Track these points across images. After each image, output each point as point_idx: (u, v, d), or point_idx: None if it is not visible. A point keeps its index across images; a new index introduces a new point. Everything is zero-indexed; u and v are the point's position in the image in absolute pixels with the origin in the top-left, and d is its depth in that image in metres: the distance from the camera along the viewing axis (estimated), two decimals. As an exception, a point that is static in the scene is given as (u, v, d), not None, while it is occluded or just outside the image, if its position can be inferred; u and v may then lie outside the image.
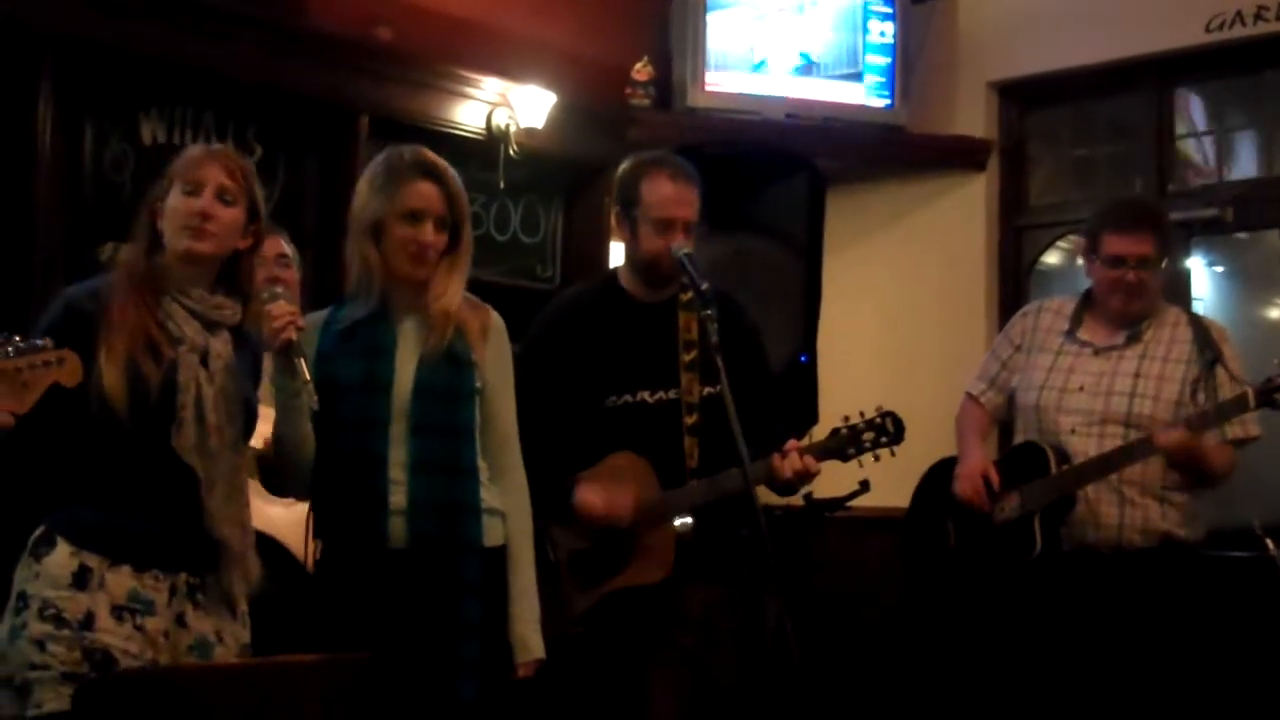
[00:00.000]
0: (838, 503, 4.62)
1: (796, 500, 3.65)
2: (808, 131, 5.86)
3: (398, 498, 2.89)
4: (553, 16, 5.69)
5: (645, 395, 3.53)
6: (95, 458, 2.62)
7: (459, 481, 2.94)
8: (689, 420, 3.51)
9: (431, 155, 3.04)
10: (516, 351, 3.67)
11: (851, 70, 5.93)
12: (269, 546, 3.22)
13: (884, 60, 5.94)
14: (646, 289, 3.61)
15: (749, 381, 3.47)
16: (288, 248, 3.59)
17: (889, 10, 5.95)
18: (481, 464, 3.00)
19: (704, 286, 3.31)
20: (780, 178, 5.59)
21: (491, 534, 2.97)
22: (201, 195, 2.71)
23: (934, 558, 4.03)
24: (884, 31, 5.95)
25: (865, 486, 3.54)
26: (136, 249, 2.75)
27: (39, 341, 2.40)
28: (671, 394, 3.52)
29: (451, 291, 2.99)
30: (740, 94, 5.84)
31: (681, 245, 3.45)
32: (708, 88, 5.80)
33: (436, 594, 2.86)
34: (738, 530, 3.47)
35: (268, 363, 2.93)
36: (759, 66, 5.88)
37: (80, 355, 2.47)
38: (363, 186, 3.03)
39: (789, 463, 3.38)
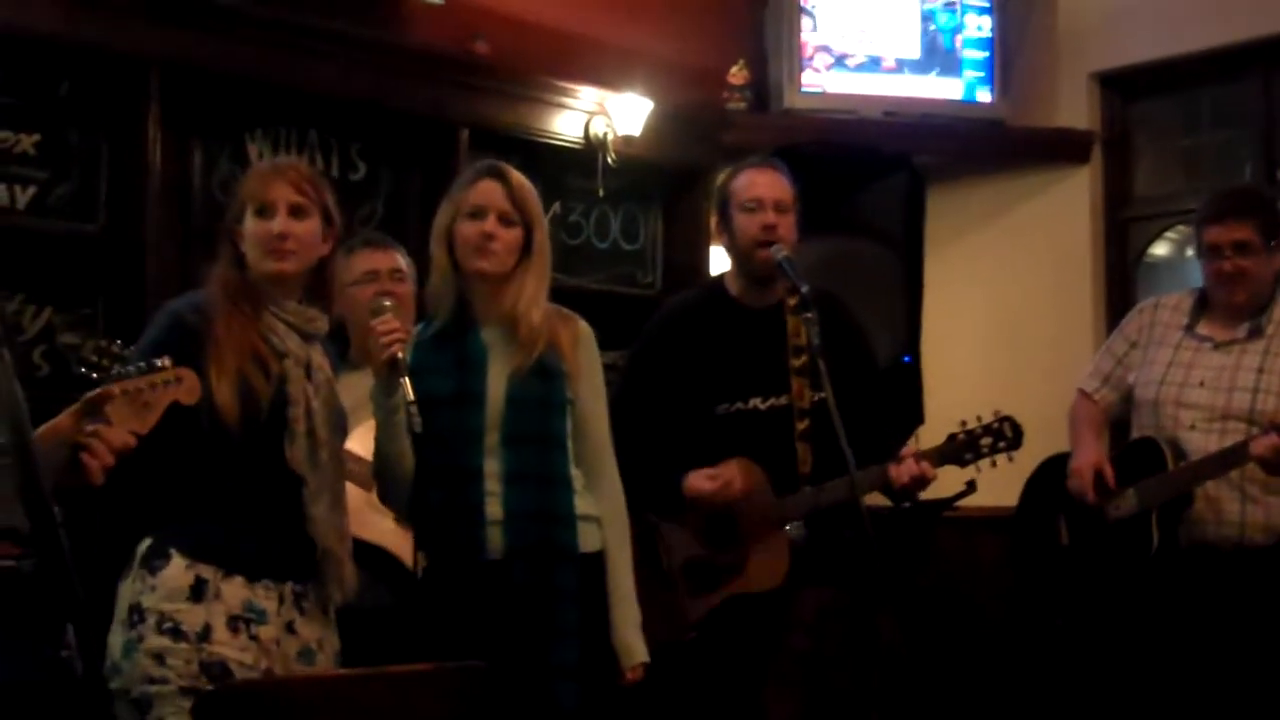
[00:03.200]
0: (944, 504, 4.58)
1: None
2: (906, 129, 5.81)
3: (494, 509, 2.92)
4: (647, 24, 5.71)
5: (756, 402, 3.53)
6: (205, 471, 2.66)
7: (553, 491, 2.96)
8: (800, 426, 3.50)
9: (500, 163, 3.10)
10: (627, 357, 3.72)
11: (949, 65, 5.88)
12: (382, 559, 3.26)
13: (982, 54, 5.89)
14: (753, 293, 3.61)
15: (857, 384, 3.46)
16: (403, 261, 3.60)
17: (986, 4, 5.90)
18: (576, 472, 3.02)
19: (804, 289, 3.32)
20: (879, 177, 5.57)
21: (587, 541, 2.99)
22: (275, 216, 2.75)
23: (1045, 555, 3.98)
24: (981, 25, 5.89)
25: (971, 487, 3.50)
26: (226, 267, 2.79)
27: (158, 362, 2.45)
28: (782, 400, 3.52)
29: (531, 296, 3.00)
30: (837, 93, 5.81)
31: (781, 247, 3.47)
32: (804, 88, 5.78)
33: (534, 602, 2.89)
34: (842, 533, 3.46)
35: (359, 379, 2.97)
36: (855, 65, 5.85)
37: (189, 368, 2.51)
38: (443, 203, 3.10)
39: (905, 468, 3.36)
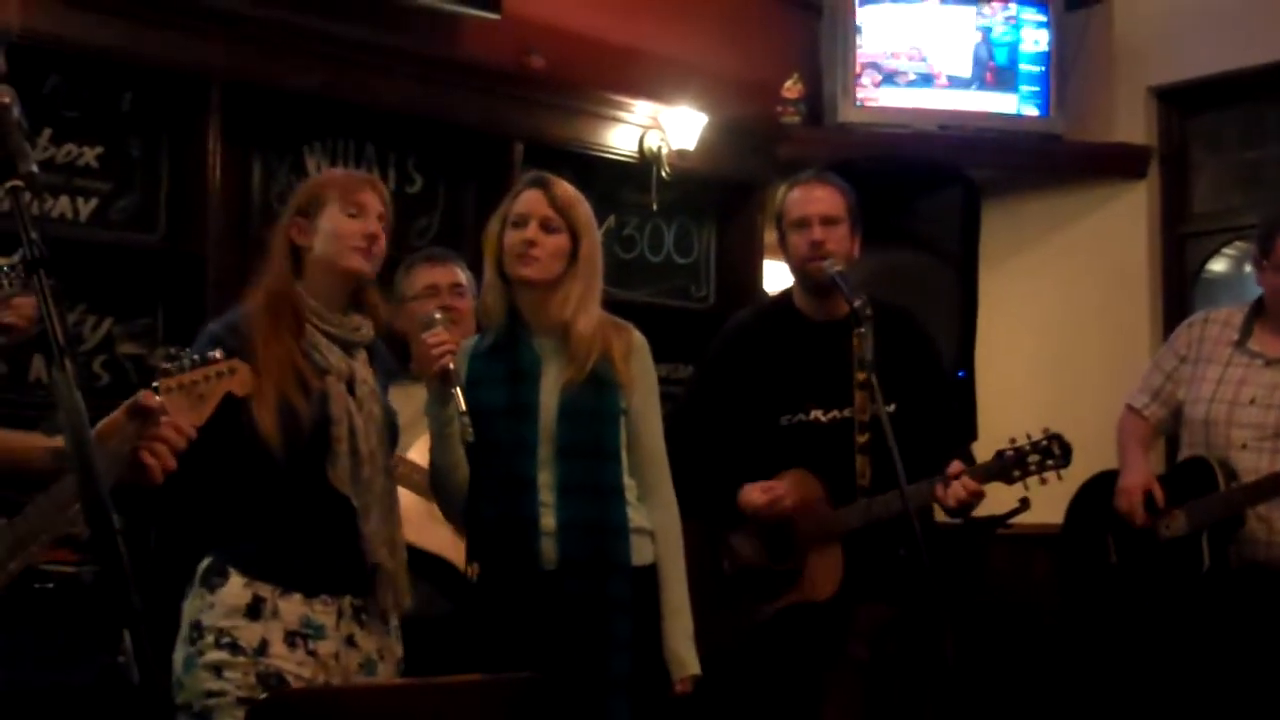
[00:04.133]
0: (997, 521, 4.56)
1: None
2: (961, 143, 5.80)
3: (547, 520, 2.93)
4: (702, 38, 5.73)
5: (818, 414, 3.54)
6: (254, 490, 2.69)
7: (606, 502, 2.97)
8: (861, 439, 3.50)
9: (546, 174, 3.12)
10: (693, 371, 3.74)
11: (1005, 80, 5.86)
12: (442, 569, 3.28)
13: (1038, 69, 5.86)
14: (817, 306, 3.62)
15: (924, 397, 3.48)
16: (463, 276, 3.63)
17: (1043, 18, 5.87)
18: (629, 483, 3.03)
19: (856, 303, 3.32)
20: (933, 191, 5.54)
21: (640, 553, 3.00)
22: (367, 219, 2.79)
23: (1093, 574, 3.95)
24: (1038, 40, 5.86)
25: (1025, 504, 3.47)
26: (278, 273, 2.81)
27: (211, 353, 2.47)
28: (845, 413, 3.52)
29: (577, 303, 3.00)
30: (891, 107, 5.80)
31: (834, 261, 3.48)
32: (858, 102, 5.78)
33: (587, 613, 2.90)
34: (897, 549, 3.45)
35: (421, 391, 3.00)
36: (910, 80, 5.84)
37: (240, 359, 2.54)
38: None
39: (952, 492, 3.35)
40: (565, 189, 3.06)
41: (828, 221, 3.55)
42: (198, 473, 2.49)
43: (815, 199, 3.59)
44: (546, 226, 3.00)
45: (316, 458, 2.70)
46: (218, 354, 2.46)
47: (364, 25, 4.69)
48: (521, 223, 3.01)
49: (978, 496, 3.38)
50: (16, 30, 3.86)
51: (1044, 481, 3.40)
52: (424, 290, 3.55)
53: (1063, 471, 3.42)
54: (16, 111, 1.91)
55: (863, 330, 3.29)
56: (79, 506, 2.07)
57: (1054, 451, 3.40)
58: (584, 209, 3.07)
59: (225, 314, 2.86)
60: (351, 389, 2.78)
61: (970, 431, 5.21)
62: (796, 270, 3.63)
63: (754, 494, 3.49)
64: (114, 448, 2.25)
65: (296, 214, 2.82)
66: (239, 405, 2.59)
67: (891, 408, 3.25)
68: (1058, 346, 5.96)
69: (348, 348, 2.82)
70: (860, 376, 3.48)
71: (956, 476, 3.36)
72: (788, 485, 3.48)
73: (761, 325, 3.71)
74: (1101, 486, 3.93)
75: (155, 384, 2.37)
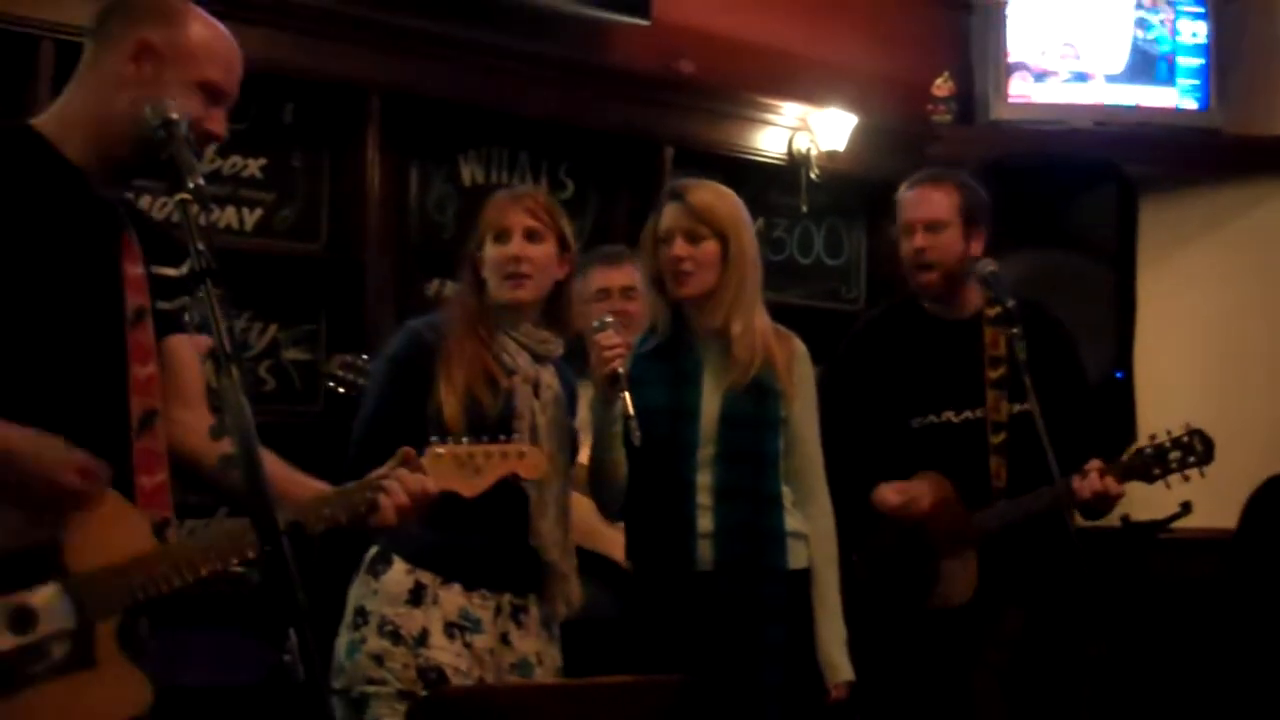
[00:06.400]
0: (1158, 525, 4.47)
1: (1113, 521, 3.55)
2: (1118, 139, 5.68)
3: (705, 522, 2.95)
4: (851, 38, 5.70)
5: (950, 415, 3.50)
6: None
7: (764, 507, 2.99)
8: (995, 439, 3.45)
9: (684, 181, 3.14)
10: (821, 373, 3.70)
11: (1163, 73, 5.74)
12: (610, 570, 3.31)
13: (1197, 61, 5.73)
14: (944, 306, 3.58)
15: (1065, 397, 3.40)
16: (638, 277, 3.57)
17: (1200, 10, 5.73)
18: (785, 489, 3.04)
19: (1010, 304, 3.28)
20: (1089, 187, 5.45)
21: (795, 558, 3.01)
22: (511, 240, 2.83)
23: (1273, 580, 3.84)
24: (1196, 32, 5.73)
25: (1187, 508, 3.38)
26: (466, 292, 2.90)
27: (505, 437, 2.48)
28: (977, 413, 3.48)
29: (732, 306, 3.01)
30: (1045, 103, 5.71)
31: (988, 262, 3.44)
32: (1011, 99, 5.70)
33: (742, 618, 2.92)
34: (1048, 552, 3.39)
35: (586, 389, 3.03)
36: (1063, 75, 5.74)
37: (420, 381, 2.66)
38: None
39: (1088, 484, 3.28)
40: (701, 195, 3.06)
41: (931, 227, 3.51)
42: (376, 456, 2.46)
43: (918, 202, 3.56)
44: (691, 238, 3.01)
45: None
46: (516, 436, 2.49)
47: (515, 34, 4.76)
48: (668, 239, 3.03)
49: (1114, 496, 3.30)
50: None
51: (1186, 479, 3.31)
52: (595, 294, 3.57)
53: (1204, 469, 3.32)
54: (185, 126, 1.98)
55: (1016, 331, 3.24)
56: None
57: (1195, 447, 3.31)
58: (726, 207, 3.06)
59: (428, 315, 2.96)
60: (536, 392, 2.84)
61: (1128, 435, 5.11)
62: (906, 270, 3.59)
63: (889, 494, 3.45)
64: (354, 499, 2.23)
65: (475, 248, 2.90)
66: (427, 395, 2.71)
67: (1027, 406, 3.20)
68: (1220, 347, 5.80)
69: (536, 357, 2.88)
70: (994, 375, 3.44)
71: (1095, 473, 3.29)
72: (924, 486, 3.44)
73: (888, 326, 3.67)
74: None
75: (430, 447, 2.35)
